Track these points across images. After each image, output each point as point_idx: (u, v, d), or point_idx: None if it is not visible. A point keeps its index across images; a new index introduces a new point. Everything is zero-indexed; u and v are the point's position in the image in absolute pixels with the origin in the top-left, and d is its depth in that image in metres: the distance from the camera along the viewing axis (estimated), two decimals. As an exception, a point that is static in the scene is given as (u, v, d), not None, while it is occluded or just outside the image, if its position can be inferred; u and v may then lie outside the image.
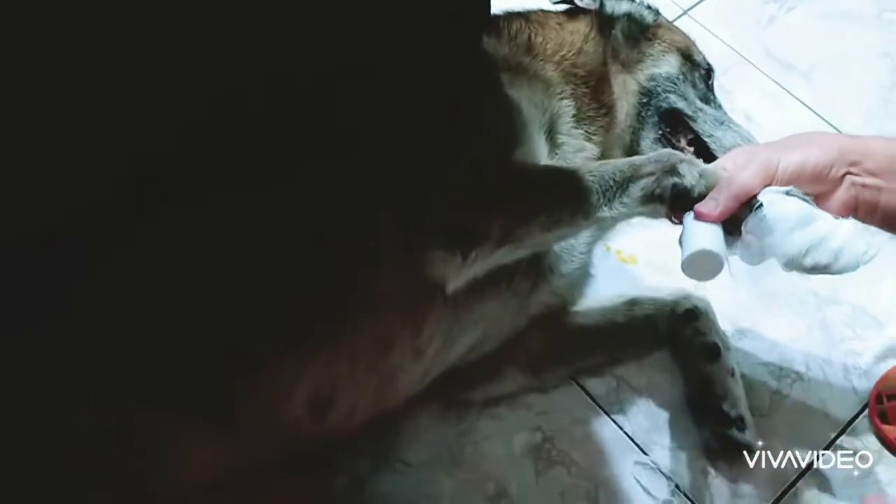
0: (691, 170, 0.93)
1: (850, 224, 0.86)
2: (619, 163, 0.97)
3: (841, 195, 0.91)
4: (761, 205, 0.87)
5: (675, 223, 0.94)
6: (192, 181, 0.94)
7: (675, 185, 0.92)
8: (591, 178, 0.95)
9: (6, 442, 0.84)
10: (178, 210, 0.93)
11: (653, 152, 0.99)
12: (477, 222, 0.93)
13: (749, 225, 0.88)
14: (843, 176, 0.91)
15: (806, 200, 0.88)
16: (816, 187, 0.91)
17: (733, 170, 0.91)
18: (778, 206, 0.86)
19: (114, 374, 0.86)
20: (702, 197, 0.91)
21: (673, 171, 0.93)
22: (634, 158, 0.97)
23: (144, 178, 0.90)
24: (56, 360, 0.86)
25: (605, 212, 0.98)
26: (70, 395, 0.85)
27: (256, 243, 0.93)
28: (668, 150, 0.97)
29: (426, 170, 0.97)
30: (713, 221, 0.88)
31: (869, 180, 0.91)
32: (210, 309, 0.91)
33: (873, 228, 0.93)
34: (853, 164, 0.91)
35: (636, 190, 0.94)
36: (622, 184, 0.94)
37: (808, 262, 0.85)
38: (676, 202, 0.93)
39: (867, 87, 1.53)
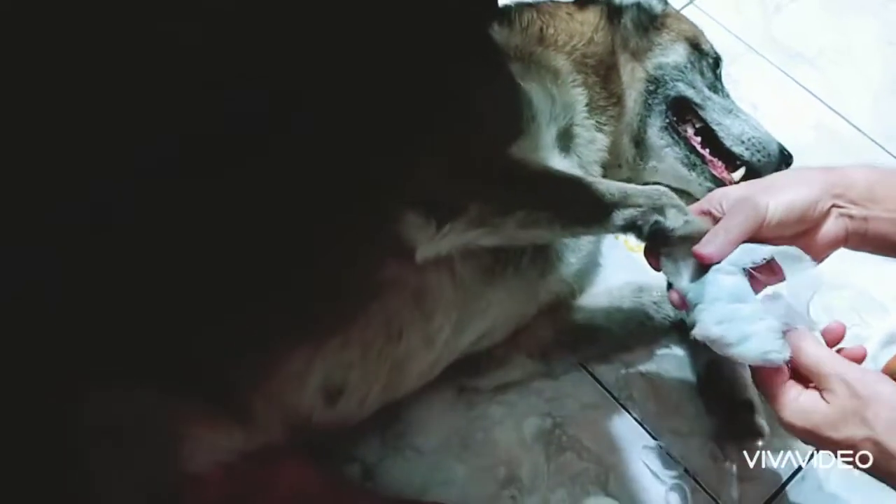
0: (677, 215, 0.93)
1: (772, 323, 0.86)
2: (613, 186, 0.96)
3: (830, 227, 0.92)
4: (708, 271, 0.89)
5: (654, 268, 0.96)
6: (192, 168, 0.95)
7: (656, 223, 0.93)
8: (579, 193, 0.96)
9: (15, 432, 0.83)
10: (184, 198, 0.94)
11: (647, 186, 0.98)
12: (457, 197, 0.94)
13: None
14: (829, 209, 0.92)
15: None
16: (804, 225, 0.92)
17: (725, 215, 0.92)
18: (720, 277, 0.88)
19: (125, 363, 0.86)
20: (680, 239, 0.92)
21: (660, 210, 0.94)
22: (628, 187, 0.97)
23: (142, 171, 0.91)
24: (69, 349, 0.86)
25: (582, 230, 1.03)
26: (81, 385, 0.85)
27: (263, 227, 0.94)
28: (665, 189, 0.96)
29: (422, 143, 0.98)
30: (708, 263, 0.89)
31: (855, 210, 0.92)
32: (223, 296, 0.91)
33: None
34: (838, 196, 0.92)
35: (619, 218, 0.94)
36: (608, 207, 0.94)
37: (716, 331, 0.85)
38: (653, 240, 0.94)
39: (874, 75, 1.54)
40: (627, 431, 1.16)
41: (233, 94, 0.94)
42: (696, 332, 0.87)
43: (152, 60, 0.86)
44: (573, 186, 0.98)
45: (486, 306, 1.06)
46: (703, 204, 0.97)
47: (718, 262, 0.88)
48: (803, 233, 0.92)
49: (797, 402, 0.84)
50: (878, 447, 0.78)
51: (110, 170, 0.90)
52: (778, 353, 0.83)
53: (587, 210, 0.96)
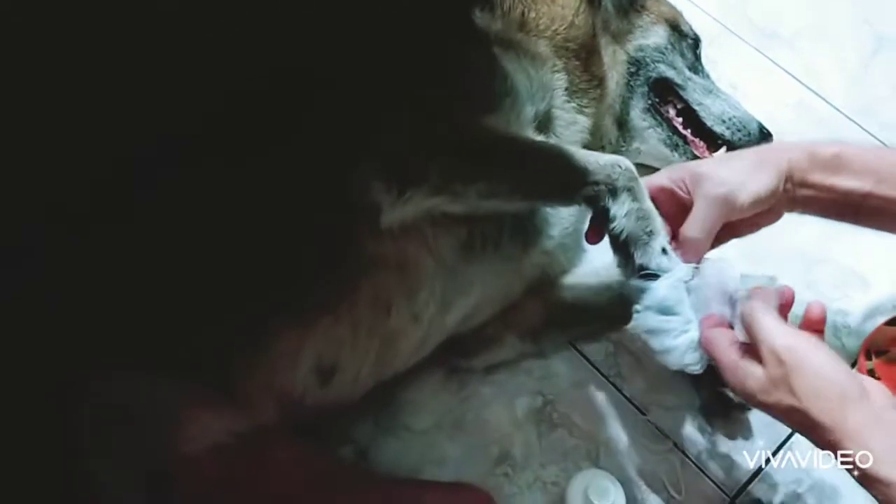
0: (625, 204, 0.95)
1: (693, 336, 0.92)
2: (576, 159, 0.97)
3: (785, 207, 1.01)
4: (648, 275, 0.93)
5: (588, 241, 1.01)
6: (186, 156, 0.96)
7: (604, 207, 0.95)
8: (540, 169, 0.98)
9: (8, 418, 0.84)
10: (177, 186, 0.95)
11: (609, 156, 0.99)
12: (419, 164, 0.95)
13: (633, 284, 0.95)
14: (784, 189, 0.98)
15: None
16: (766, 207, 0.98)
17: (698, 206, 0.96)
18: (655, 286, 0.93)
19: (118, 346, 0.87)
20: (619, 233, 0.95)
21: (614, 192, 0.95)
22: (591, 160, 0.97)
23: (139, 160, 0.92)
24: (70, 336, 0.87)
25: (541, 203, 1.06)
26: (74, 367, 0.86)
27: (251, 211, 0.95)
28: (628, 169, 0.97)
29: (388, 109, 1.00)
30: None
31: (800, 192, 0.99)
32: (213, 279, 0.92)
33: None
34: (788, 178, 0.98)
35: (578, 197, 0.96)
36: (567, 185, 0.97)
37: (644, 337, 0.94)
38: (597, 217, 0.97)
39: (849, 54, 1.57)
40: (617, 407, 1.17)
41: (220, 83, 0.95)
42: (630, 329, 0.95)
43: (146, 54, 0.87)
44: (536, 161, 0.99)
45: (470, 283, 1.07)
46: (664, 179, 1.00)
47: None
48: (763, 213, 0.99)
49: (737, 366, 0.87)
50: (802, 414, 0.80)
51: (109, 163, 0.91)
52: (694, 365, 0.92)
53: (547, 186, 0.99)
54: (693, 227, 0.96)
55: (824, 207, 1.00)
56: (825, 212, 1.01)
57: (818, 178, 0.97)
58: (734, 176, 0.96)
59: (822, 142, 1.00)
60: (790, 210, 1.02)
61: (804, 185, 0.98)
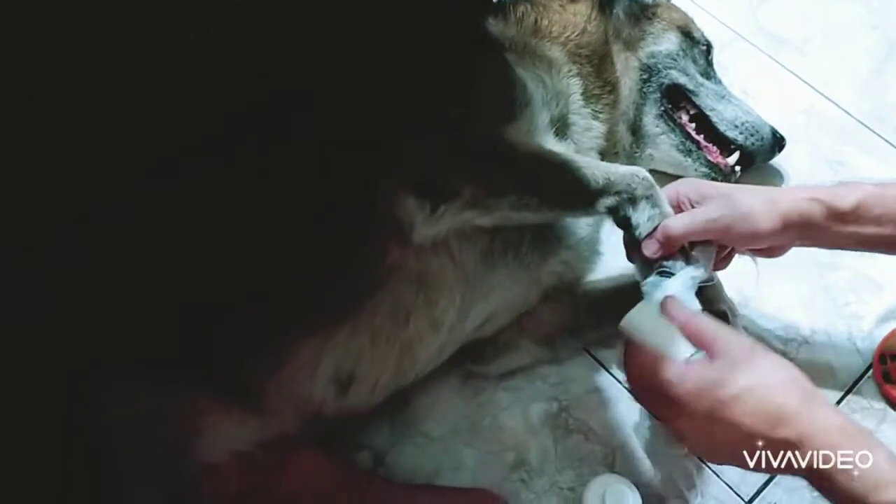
0: (646, 211, 0.97)
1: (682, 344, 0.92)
2: (598, 172, 0.99)
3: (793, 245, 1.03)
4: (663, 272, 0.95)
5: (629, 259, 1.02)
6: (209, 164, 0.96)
7: (625, 216, 0.97)
8: (567, 180, 0.99)
9: (34, 428, 0.84)
10: (200, 192, 0.96)
11: (627, 168, 1.01)
12: (451, 180, 0.96)
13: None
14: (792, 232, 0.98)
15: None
16: (766, 244, 1.01)
17: (700, 206, 0.97)
18: (668, 283, 0.94)
19: (138, 355, 0.88)
20: (638, 238, 0.97)
21: (633, 202, 0.97)
22: (612, 172, 0.99)
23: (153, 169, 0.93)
24: (91, 346, 0.88)
25: (568, 213, 1.08)
26: (104, 380, 0.87)
27: (274, 221, 0.96)
28: (644, 175, 0.99)
29: (418, 126, 1.00)
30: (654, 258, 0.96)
31: (814, 236, 1.00)
32: (235, 288, 0.93)
33: None
34: (800, 227, 0.98)
35: (601, 206, 0.98)
36: (592, 195, 0.98)
37: (638, 337, 0.94)
38: (622, 228, 0.99)
39: (860, 59, 1.56)
40: (632, 413, 1.18)
41: (237, 88, 0.96)
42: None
43: (157, 61, 0.87)
44: (561, 173, 1.00)
45: (489, 290, 1.08)
46: (671, 192, 1.01)
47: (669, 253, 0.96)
48: (762, 250, 1.02)
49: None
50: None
51: (125, 170, 0.92)
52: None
53: (573, 197, 1.00)
54: (675, 222, 0.95)
55: (840, 245, 1.01)
56: (841, 247, 1.02)
57: (835, 228, 0.97)
58: (739, 205, 0.96)
59: (843, 185, 1.00)
60: (800, 246, 1.03)
61: (820, 232, 0.98)
